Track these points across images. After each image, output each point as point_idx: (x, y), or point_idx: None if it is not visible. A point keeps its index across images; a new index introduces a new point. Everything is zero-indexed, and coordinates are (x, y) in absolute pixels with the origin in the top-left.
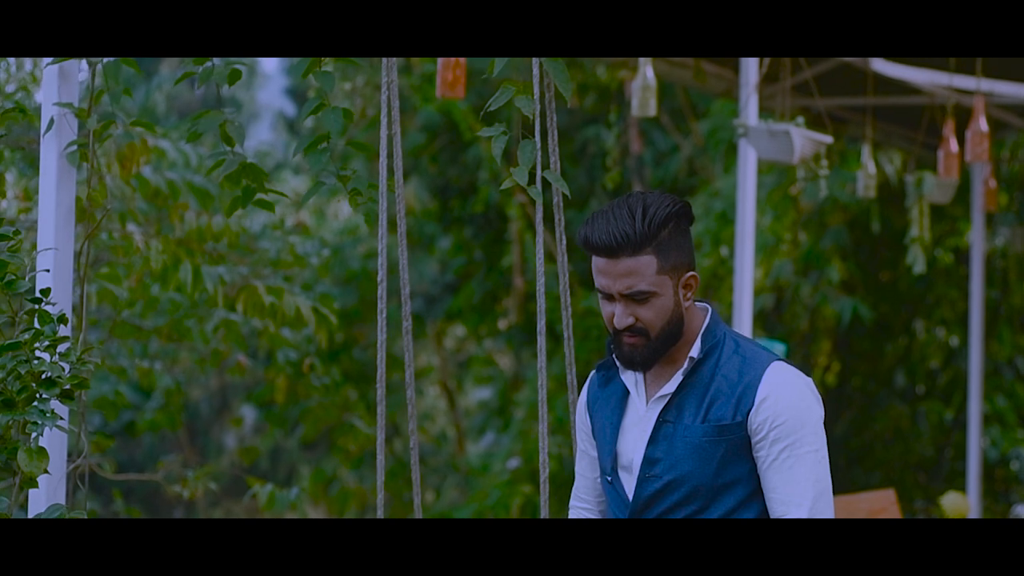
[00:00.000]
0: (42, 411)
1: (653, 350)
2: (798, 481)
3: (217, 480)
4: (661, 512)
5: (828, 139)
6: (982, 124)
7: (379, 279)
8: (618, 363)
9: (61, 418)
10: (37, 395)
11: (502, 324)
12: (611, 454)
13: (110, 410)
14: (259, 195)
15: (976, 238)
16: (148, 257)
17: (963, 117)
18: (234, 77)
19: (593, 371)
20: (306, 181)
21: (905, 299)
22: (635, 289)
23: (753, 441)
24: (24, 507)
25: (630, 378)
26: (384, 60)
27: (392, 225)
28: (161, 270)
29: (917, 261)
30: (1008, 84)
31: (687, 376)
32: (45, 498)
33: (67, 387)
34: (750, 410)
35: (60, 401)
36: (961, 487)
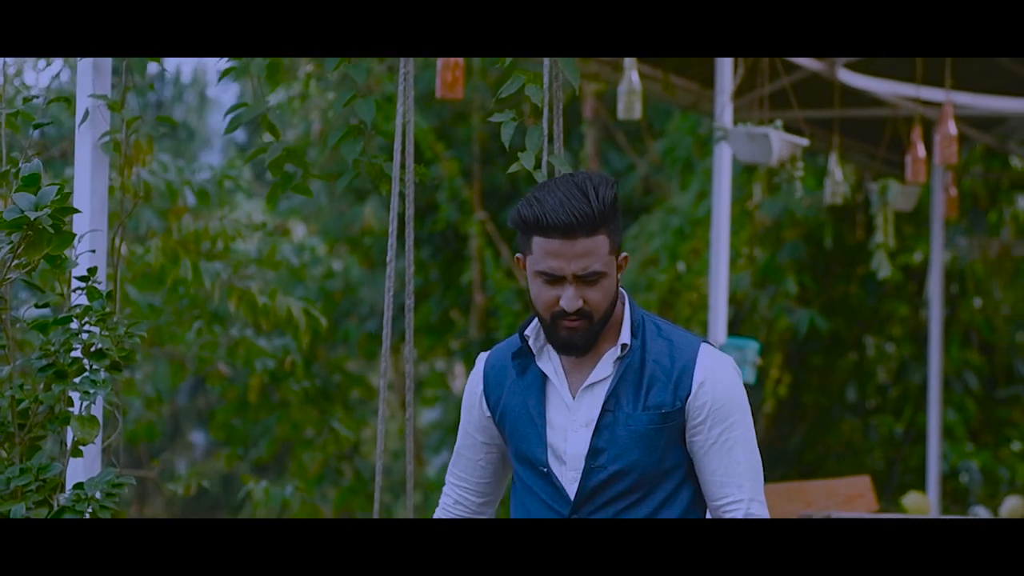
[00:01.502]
0: (93, 381)
1: (594, 333)
2: (737, 463)
3: (174, 499)
4: (606, 501)
5: (804, 141)
6: (951, 127)
7: (388, 259)
8: (549, 349)
9: (110, 387)
10: (88, 367)
11: (454, 344)
12: (543, 445)
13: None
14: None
15: (936, 245)
16: (145, 257)
17: (926, 129)
18: (272, 71)
19: (488, 356)
20: (258, 204)
21: (856, 315)
22: (590, 270)
23: (689, 425)
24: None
25: (548, 365)
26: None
27: (354, 245)
28: (159, 267)
29: (882, 267)
30: (968, 95)
31: (618, 362)
32: (84, 470)
33: (116, 359)
34: (688, 395)
35: (108, 372)
36: None
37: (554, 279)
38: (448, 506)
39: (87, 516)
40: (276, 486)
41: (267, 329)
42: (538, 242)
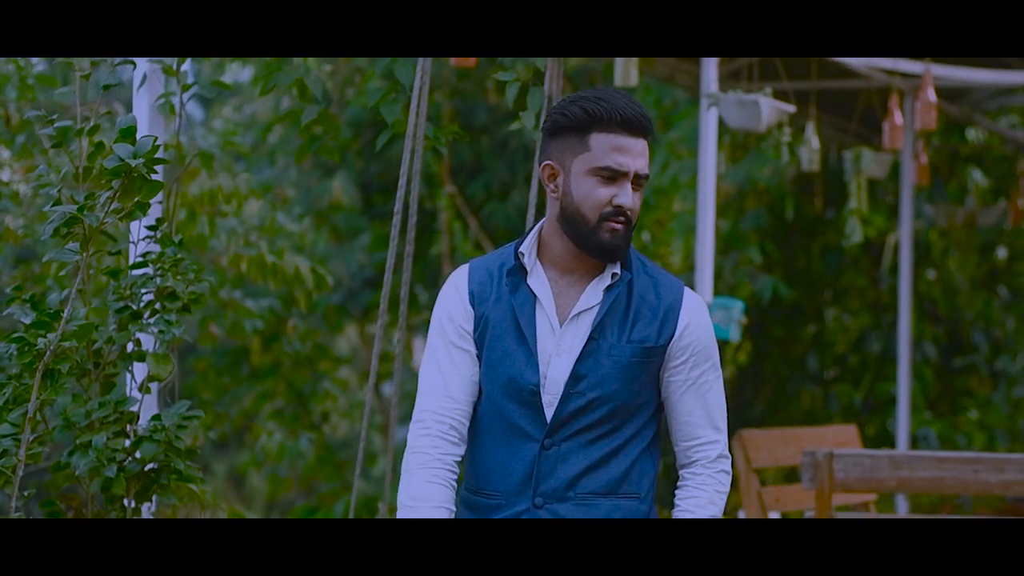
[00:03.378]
0: (168, 321)
1: (628, 240)
2: (713, 405)
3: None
4: (580, 429)
5: (791, 108)
6: (930, 94)
7: (395, 209)
8: (540, 269)
9: (182, 326)
10: (161, 308)
11: (414, 320)
12: (535, 366)
13: None
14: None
15: (905, 211)
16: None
17: (899, 98)
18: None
19: (470, 268)
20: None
21: (816, 286)
22: (645, 171)
23: (670, 365)
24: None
25: (539, 286)
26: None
27: (322, 219)
28: (179, 223)
29: (855, 232)
30: (939, 66)
31: (607, 291)
32: (145, 412)
33: (187, 301)
34: (673, 335)
35: (178, 314)
36: None
37: (616, 175)
38: (443, 433)
39: (161, 445)
40: (291, 439)
41: (275, 287)
42: (602, 138)
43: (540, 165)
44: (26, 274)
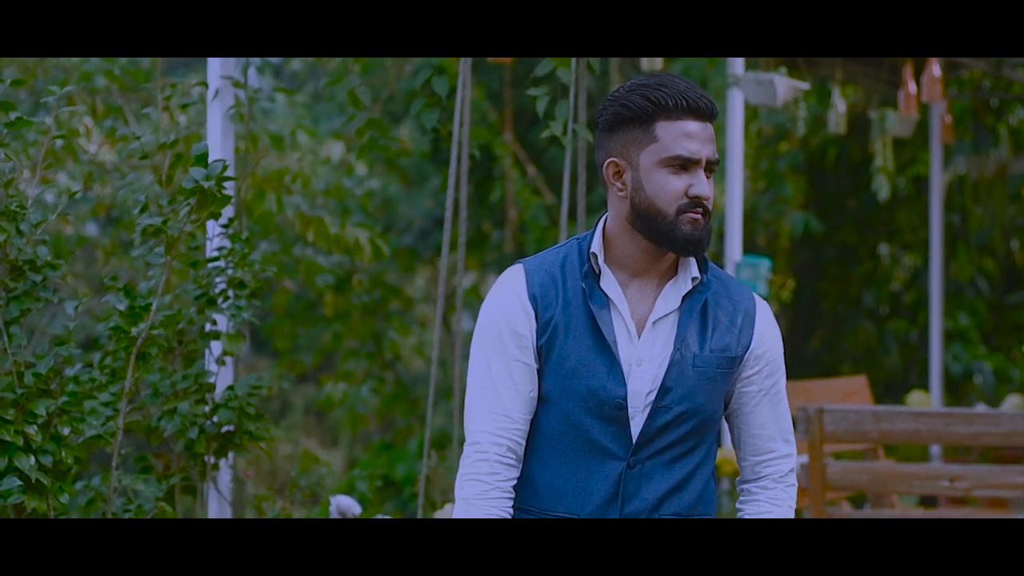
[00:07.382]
0: (239, 306)
1: (710, 231)
2: (783, 417)
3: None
4: (664, 446)
5: (805, 85)
6: (935, 70)
7: (450, 171)
8: (608, 272)
9: (250, 310)
10: (232, 295)
11: (488, 257)
12: (619, 378)
13: None
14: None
15: (935, 168)
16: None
17: (919, 60)
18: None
19: (527, 269)
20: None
21: (870, 225)
22: (715, 157)
23: (743, 375)
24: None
25: (613, 290)
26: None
27: (391, 164)
28: (247, 202)
29: (882, 188)
30: None
31: (688, 298)
32: (221, 382)
33: (254, 288)
34: (750, 344)
35: (247, 300)
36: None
37: (688, 163)
38: (501, 456)
39: (235, 412)
40: (354, 387)
41: (339, 253)
42: (669, 127)
43: (604, 163)
44: (115, 239)
